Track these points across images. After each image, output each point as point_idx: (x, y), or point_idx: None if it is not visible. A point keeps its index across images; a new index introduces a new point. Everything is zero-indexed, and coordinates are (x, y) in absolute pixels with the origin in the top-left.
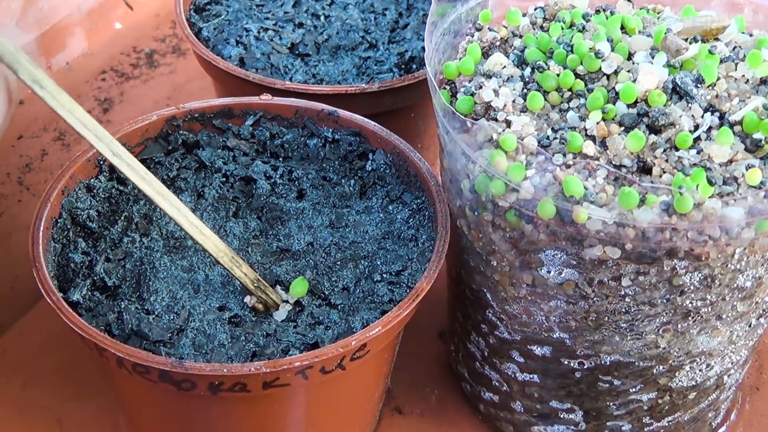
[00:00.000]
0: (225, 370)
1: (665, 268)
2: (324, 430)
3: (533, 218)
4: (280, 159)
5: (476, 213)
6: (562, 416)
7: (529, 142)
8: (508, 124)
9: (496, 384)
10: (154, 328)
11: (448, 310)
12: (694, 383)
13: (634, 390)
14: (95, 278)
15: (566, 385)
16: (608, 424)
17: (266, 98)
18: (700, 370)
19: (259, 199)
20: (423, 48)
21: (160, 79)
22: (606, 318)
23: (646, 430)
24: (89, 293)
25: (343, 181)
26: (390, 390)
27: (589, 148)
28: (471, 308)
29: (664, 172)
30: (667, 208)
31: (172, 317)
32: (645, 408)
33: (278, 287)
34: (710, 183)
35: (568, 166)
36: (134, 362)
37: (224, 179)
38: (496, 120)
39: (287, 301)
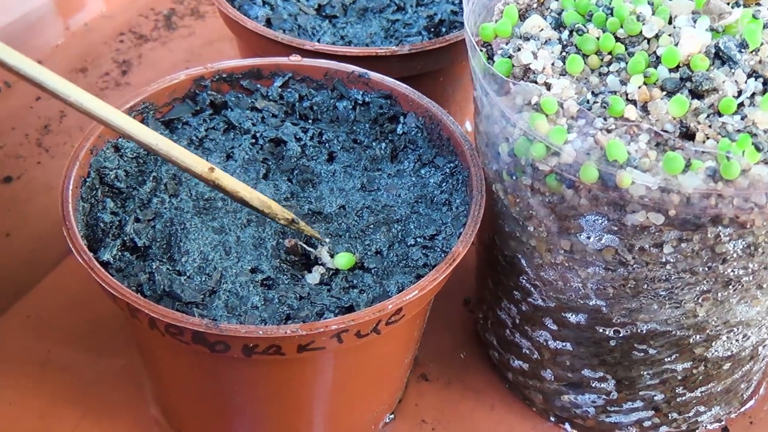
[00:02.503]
0: (260, 332)
1: (708, 236)
2: (354, 395)
3: (574, 182)
4: (310, 121)
5: (514, 177)
6: (593, 385)
7: (570, 105)
8: (548, 87)
9: (527, 352)
10: (186, 289)
11: (476, 277)
12: (729, 353)
13: (668, 359)
14: (125, 238)
15: (600, 353)
16: (640, 393)
17: (295, 59)
18: (737, 341)
19: (289, 161)
20: (452, 11)
21: (178, 41)
22: (645, 285)
23: (678, 400)
24: (119, 253)
25: (373, 144)
26: (416, 357)
27: (631, 112)
28: (503, 275)
29: (708, 138)
30: (713, 174)
31: (204, 279)
32: (679, 378)
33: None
34: (757, 149)
35: (610, 131)
36: (168, 323)
37: (253, 140)
38: (536, 83)
39: (323, 264)
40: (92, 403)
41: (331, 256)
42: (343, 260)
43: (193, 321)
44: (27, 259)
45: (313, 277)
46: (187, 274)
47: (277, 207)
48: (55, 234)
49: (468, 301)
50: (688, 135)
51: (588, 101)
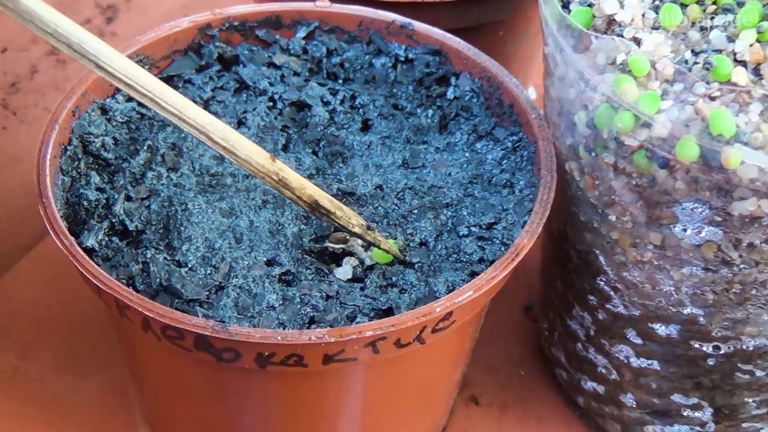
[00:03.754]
0: (279, 338)
1: None
2: (389, 419)
3: (669, 161)
4: (340, 81)
5: (593, 154)
6: (685, 414)
7: (665, 65)
8: (638, 42)
9: (602, 371)
10: (187, 283)
11: (541, 277)
12: None
13: None
14: (113, 220)
15: (695, 374)
16: (744, 426)
17: (323, 4)
18: None
19: (314, 130)
20: None
21: None
22: (753, 291)
23: None
24: (106, 238)
25: (418, 110)
26: (466, 375)
27: (740, 75)
28: (576, 275)
29: None
30: None
31: (209, 271)
32: None
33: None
34: None
35: (714, 98)
36: (165, 324)
37: (271, 104)
38: (622, 37)
39: (356, 257)
40: (68, 423)
41: (366, 248)
42: (383, 252)
43: (196, 322)
44: None
45: (344, 271)
46: (189, 266)
47: (350, 211)
48: (25, 214)
49: (530, 308)
50: None
51: (687, 61)
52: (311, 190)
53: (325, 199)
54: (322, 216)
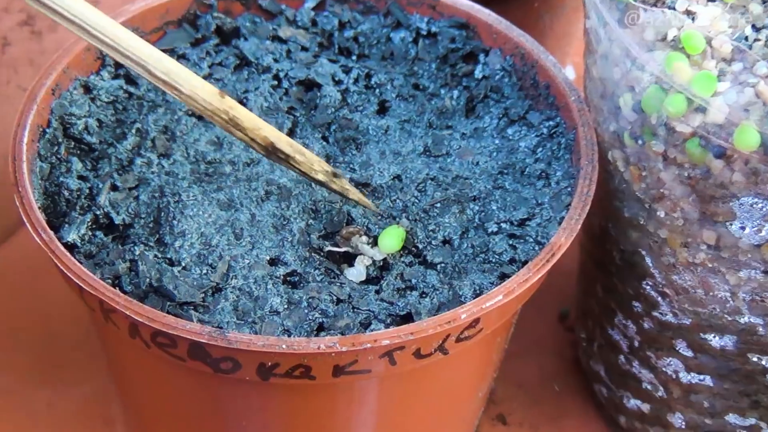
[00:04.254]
0: (284, 346)
1: None
2: None
3: (725, 150)
4: (353, 57)
5: (640, 141)
6: None
7: (722, 42)
8: (691, 16)
9: (648, 387)
10: (180, 284)
11: (578, 282)
12: None
13: None
14: (97, 213)
15: (752, 391)
16: None
17: None
18: None
19: (324, 112)
20: None
21: None
22: None
23: None
24: (89, 233)
25: (442, 91)
26: (493, 390)
27: None
28: (619, 278)
29: None
30: None
31: (205, 271)
32: None
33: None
34: None
35: None
36: (155, 330)
37: (275, 83)
38: (674, 10)
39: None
40: None
41: (372, 245)
42: (390, 240)
43: (190, 328)
44: None
45: (357, 272)
46: (183, 264)
47: (313, 156)
48: None
49: (565, 316)
50: None
51: (747, 38)
52: (267, 131)
53: (284, 142)
54: (280, 161)
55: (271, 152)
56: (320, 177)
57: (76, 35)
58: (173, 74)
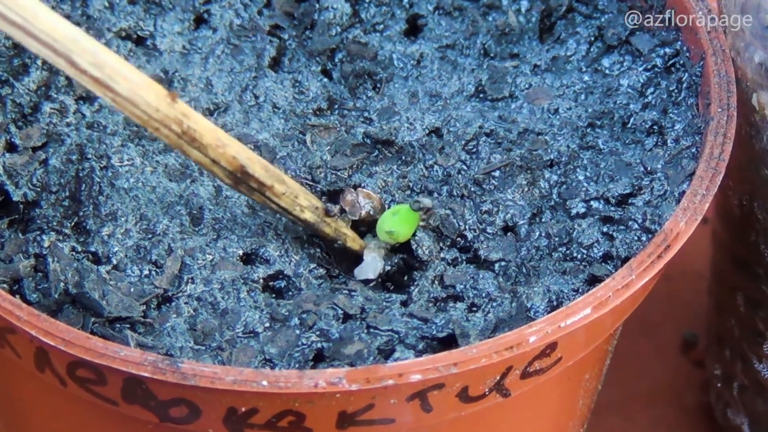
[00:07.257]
0: (265, 383)
1: None
2: None
3: None
4: None
5: None
6: None
7: None
8: None
9: None
10: (111, 291)
11: (709, 291)
12: None
13: None
14: None
15: None
16: None
17: None
18: None
19: (325, 33)
20: None
21: None
22: None
23: None
24: None
25: (504, 0)
26: None
27: None
28: None
29: None
30: None
31: (147, 271)
32: None
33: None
34: None
35: None
36: (75, 359)
37: None
38: None
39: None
40: None
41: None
42: (399, 225)
43: (126, 356)
44: None
45: (369, 266)
46: (114, 262)
47: (297, 186)
48: None
49: (692, 342)
50: None
51: None
52: (235, 149)
53: (258, 165)
54: (251, 193)
55: (240, 180)
56: (307, 215)
57: None
58: (106, 67)
